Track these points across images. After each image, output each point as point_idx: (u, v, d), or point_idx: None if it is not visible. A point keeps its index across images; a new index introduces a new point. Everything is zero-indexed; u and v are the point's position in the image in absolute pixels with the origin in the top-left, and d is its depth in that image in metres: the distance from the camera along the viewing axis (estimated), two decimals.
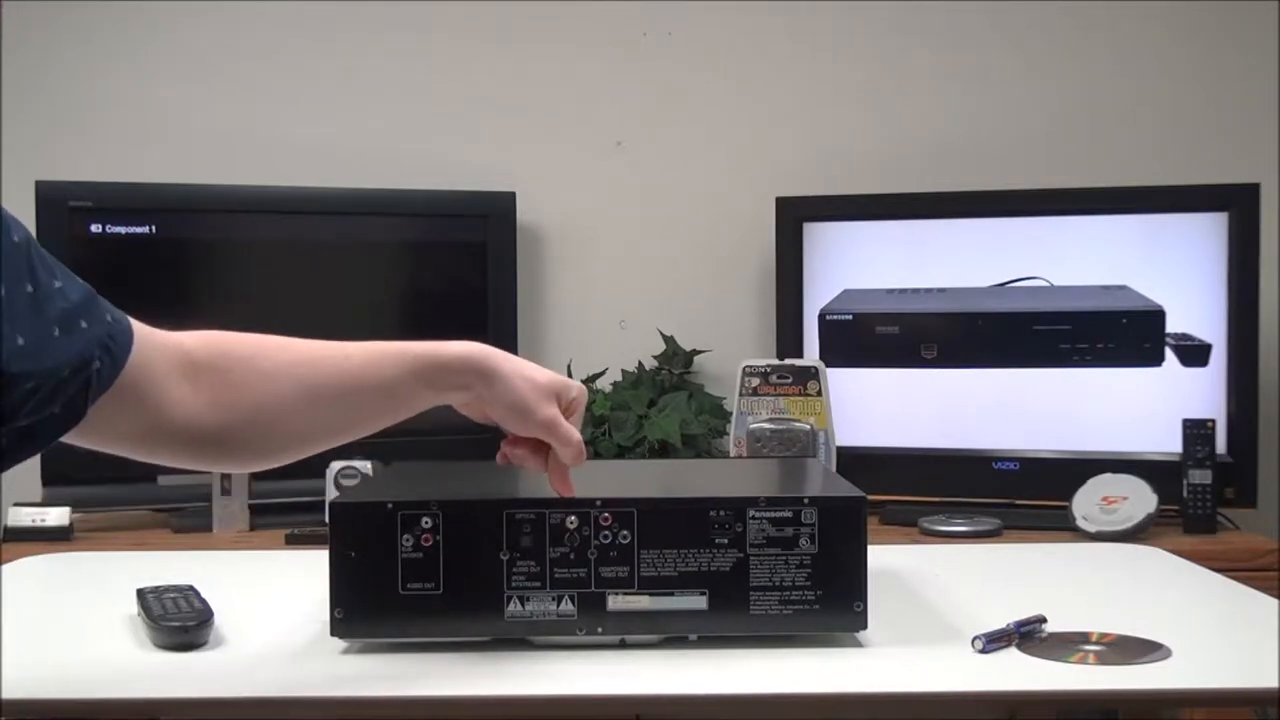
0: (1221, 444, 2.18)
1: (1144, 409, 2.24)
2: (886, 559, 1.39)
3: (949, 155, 2.55)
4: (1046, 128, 2.55)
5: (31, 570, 1.46)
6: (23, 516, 2.12)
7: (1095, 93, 2.55)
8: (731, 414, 2.18)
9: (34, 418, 0.86)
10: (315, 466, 2.23)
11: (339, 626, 1.05)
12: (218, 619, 1.10)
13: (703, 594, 1.06)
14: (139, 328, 0.95)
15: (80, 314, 0.89)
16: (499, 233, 2.45)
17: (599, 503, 1.06)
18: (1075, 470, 2.18)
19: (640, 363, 2.50)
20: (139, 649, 1.08)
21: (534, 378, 1.06)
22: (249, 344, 1.02)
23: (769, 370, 2.14)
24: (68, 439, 0.91)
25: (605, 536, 1.06)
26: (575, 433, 1.07)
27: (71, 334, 0.88)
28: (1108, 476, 2.14)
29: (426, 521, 1.06)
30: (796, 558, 1.06)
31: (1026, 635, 1.07)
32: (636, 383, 2.44)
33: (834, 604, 1.06)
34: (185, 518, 2.25)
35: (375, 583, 1.04)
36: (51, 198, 2.23)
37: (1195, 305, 2.23)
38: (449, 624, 1.05)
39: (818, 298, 2.38)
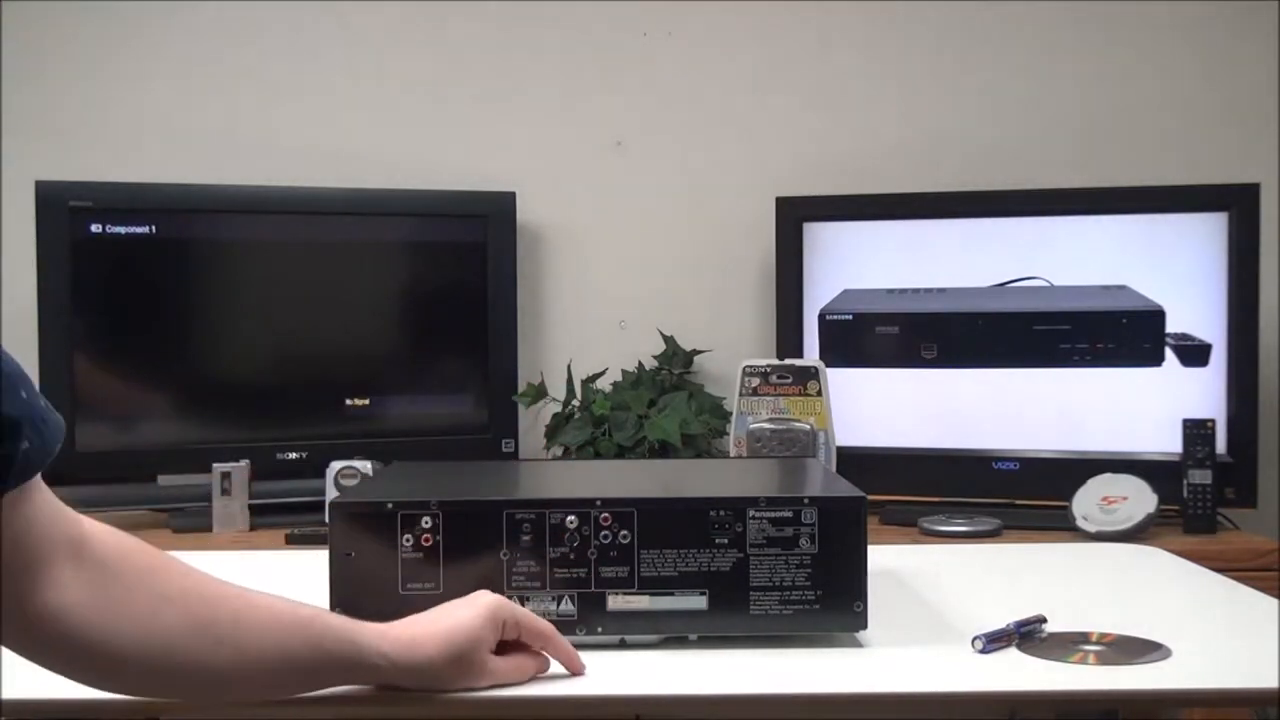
0: (1221, 444, 2.18)
1: (1144, 409, 2.24)
2: (886, 559, 1.39)
3: (949, 155, 2.55)
4: (1046, 128, 2.55)
5: None
6: None
7: (1095, 93, 2.55)
8: (731, 414, 2.18)
9: None
10: (315, 466, 2.23)
11: None
12: None
13: (703, 594, 1.06)
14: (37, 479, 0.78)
15: (20, 383, 0.73)
16: (499, 233, 2.45)
17: (599, 502, 1.06)
18: (1075, 470, 2.18)
19: (640, 363, 2.50)
20: None
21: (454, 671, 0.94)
22: (150, 556, 0.86)
23: (769, 370, 2.14)
24: None
25: (605, 536, 1.06)
26: (524, 664, 0.98)
27: (12, 395, 0.73)
28: (1108, 476, 2.14)
29: (426, 521, 1.06)
30: (796, 558, 1.05)
31: (1026, 635, 1.07)
32: (636, 383, 2.44)
33: (834, 604, 1.06)
34: (185, 518, 2.24)
35: (375, 583, 1.04)
36: (51, 198, 2.24)
37: (1195, 305, 2.23)
38: None
39: (818, 298, 2.39)
